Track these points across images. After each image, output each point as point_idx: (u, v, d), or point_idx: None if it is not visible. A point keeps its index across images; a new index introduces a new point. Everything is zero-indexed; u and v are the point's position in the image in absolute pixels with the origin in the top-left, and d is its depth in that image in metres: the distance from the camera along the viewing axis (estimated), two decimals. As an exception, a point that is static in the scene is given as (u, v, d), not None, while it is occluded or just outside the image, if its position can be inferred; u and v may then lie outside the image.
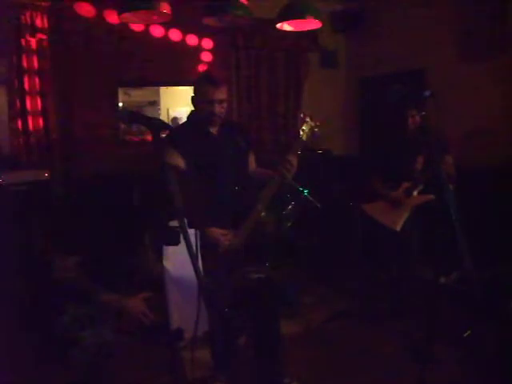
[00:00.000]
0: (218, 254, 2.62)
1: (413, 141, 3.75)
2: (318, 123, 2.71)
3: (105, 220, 2.31)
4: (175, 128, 2.83)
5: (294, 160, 2.66)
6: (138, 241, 2.47)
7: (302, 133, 2.68)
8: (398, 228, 3.70)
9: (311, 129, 2.70)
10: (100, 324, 2.20)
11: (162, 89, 5.99)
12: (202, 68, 5.14)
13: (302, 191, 3.58)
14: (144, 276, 2.44)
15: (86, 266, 2.22)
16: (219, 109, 2.69)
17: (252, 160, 2.99)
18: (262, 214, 2.69)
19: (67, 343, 2.15)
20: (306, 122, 2.69)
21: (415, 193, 3.77)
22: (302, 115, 2.72)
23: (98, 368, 2.22)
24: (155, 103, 6.16)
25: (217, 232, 2.66)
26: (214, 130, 2.80)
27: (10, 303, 3.19)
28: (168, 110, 6.17)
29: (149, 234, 2.49)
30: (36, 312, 2.64)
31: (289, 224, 3.61)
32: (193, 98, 2.77)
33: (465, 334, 3.38)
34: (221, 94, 2.69)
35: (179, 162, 2.62)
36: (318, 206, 3.61)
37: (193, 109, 2.81)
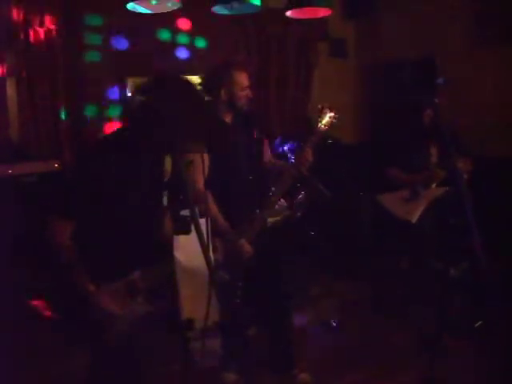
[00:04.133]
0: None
1: (426, 131, 3.70)
2: (336, 115, 2.68)
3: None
4: None
5: (310, 152, 2.65)
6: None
7: (320, 124, 2.66)
8: (414, 220, 3.62)
9: (330, 120, 2.67)
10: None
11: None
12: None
13: (315, 182, 3.55)
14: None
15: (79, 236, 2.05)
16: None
17: (267, 150, 2.97)
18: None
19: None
20: (325, 113, 2.67)
21: (434, 185, 3.73)
22: (320, 106, 2.70)
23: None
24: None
25: (247, 247, 2.64)
26: (227, 119, 2.78)
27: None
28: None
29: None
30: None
31: (299, 214, 3.59)
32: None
33: (476, 325, 3.36)
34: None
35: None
36: (328, 194, 3.57)
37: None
